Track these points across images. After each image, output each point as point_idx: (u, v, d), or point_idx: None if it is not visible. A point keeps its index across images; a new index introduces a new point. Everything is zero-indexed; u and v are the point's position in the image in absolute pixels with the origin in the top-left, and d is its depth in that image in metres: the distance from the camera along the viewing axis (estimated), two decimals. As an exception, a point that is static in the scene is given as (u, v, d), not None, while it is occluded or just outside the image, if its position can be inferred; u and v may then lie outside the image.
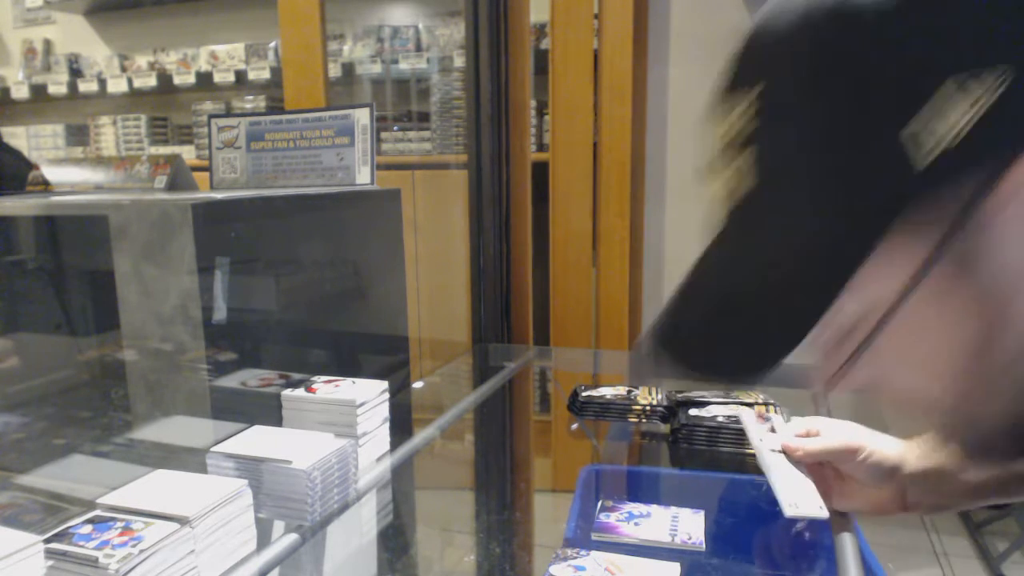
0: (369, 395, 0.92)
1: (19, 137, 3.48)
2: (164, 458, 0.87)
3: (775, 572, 0.84)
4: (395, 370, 1.29)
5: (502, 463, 1.30)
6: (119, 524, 0.64)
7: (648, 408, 1.21)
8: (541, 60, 2.28)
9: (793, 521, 0.91)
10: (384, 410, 0.96)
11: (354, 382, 0.95)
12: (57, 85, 3.34)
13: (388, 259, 1.27)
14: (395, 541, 0.95)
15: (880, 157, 0.35)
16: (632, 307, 2.11)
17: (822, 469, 0.79)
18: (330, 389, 0.93)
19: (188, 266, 0.82)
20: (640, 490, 1.09)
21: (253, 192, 1.11)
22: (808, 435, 0.79)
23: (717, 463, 1.08)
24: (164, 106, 3.36)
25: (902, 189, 0.35)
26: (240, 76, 3.06)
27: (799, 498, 0.73)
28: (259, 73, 3.02)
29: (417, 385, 1.47)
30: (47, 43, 3.53)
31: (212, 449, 0.80)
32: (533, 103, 2.26)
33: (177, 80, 3.13)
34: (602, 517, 0.88)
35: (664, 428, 1.19)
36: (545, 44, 2.22)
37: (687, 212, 2.16)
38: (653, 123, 2.15)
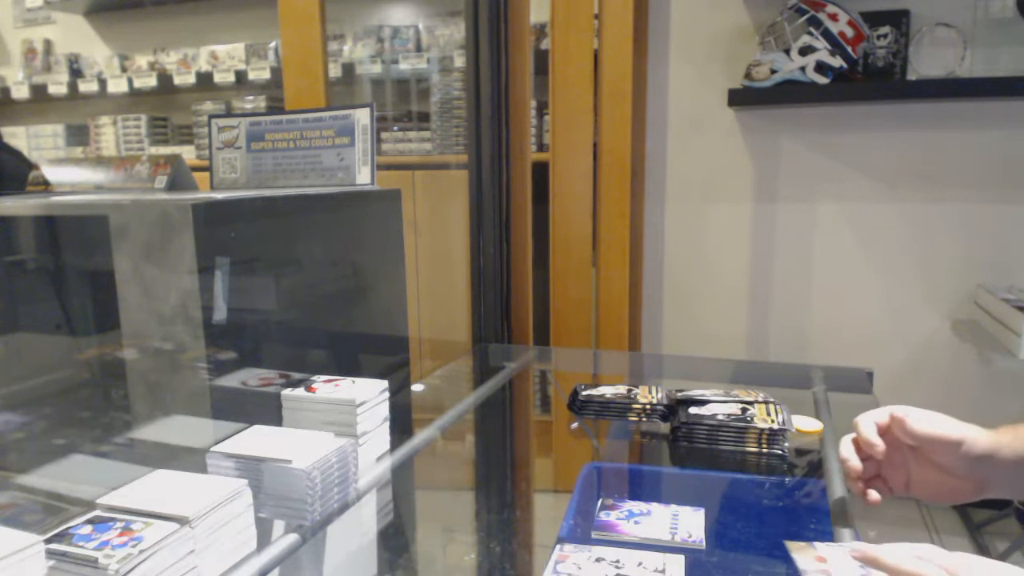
0: (369, 395, 0.92)
1: (19, 137, 3.48)
2: (164, 458, 0.87)
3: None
4: (395, 370, 1.29)
5: (502, 463, 1.30)
6: (119, 524, 0.64)
7: (648, 407, 1.21)
8: (541, 60, 2.28)
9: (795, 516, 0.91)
10: (384, 410, 0.96)
11: (354, 382, 0.95)
12: (57, 85, 3.34)
13: (388, 259, 1.27)
14: (395, 541, 0.95)
15: None
16: (632, 307, 2.11)
17: (901, 457, 0.78)
18: (330, 389, 0.93)
19: (188, 266, 0.82)
20: (640, 488, 1.09)
21: (253, 192, 1.11)
22: (893, 422, 0.76)
23: (717, 461, 1.08)
24: (164, 106, 3.36)
25: None
26: (240, 76, 3.06)
27: None
28: (259, 73, 3.02)
29: (417, 387, 1.47)
30: (47, 43, 3.53)
31: (212, 449, 0.80)
32: (533, 103, 2.26)
33: (177, 80, 3.13)
34: (602, 515, 0.88)
35: (664, 427, 1.19)
36: (545, 44, 2.22)
37: (687, 212, 2.16)
38: (653, 123, 2.15)
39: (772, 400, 1.19)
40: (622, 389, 1.29)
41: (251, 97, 3.07)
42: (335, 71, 2.80)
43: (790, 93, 1.87)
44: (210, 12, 3.25)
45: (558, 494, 1.06)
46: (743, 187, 2.09)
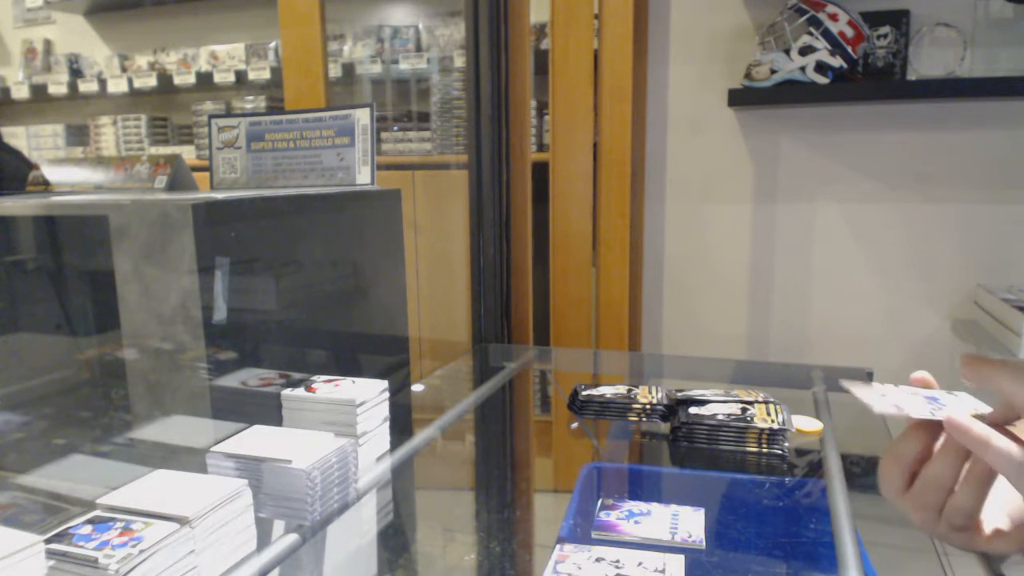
0: (369, 395, 0.92)
1: (19, 137, 3.48)
2: (164, 458, 0.87)
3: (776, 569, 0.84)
4: (395, 370, 1.29)
5: (502, 463, 1.30)
6: (119, 524, 0.64)
7: (648, 407, 1.21)
8: (541, 60, 2.28)
9: (795, 518, 0.91)
10: (384, 410, 0.96)
11: (354, 382, 0.95)
12: (57, 85, 3.34)
13: (388, 259, 1.27)
14: (395, 541, 0.95)
15: None
16: (632, 307, 2.11)
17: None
18: (330, 389, 0.93)
19: (188, 266, 0.82)
20: (640, 488, 1.09)
21: (253, 192, 1.11)
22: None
23: (717, 461, 1.08)
24: (164, 106, 3.36)
25: None
26: (240, 76, 3.06)
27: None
28: (259, 73, 3.02)
29: (417, 387, 1.47)
30: (47, 43, 3.54)
31: (212, 449, 0.80)
32: (533, 103, 2.26)
33: (177, 80, 3.13)
34: (602, 515, 0.88)
35: (664, 427, 1.20)
36: (545, 44, 2.22)
37: (687, 212, 2.16)
38: (653, 123, 2.15)
39: (772, 400, 1.19)
40: (622, 389, 1.29)
41: (251, 97, 3.08)
42: (335, 71, 2.80)
43: (790, 93, 1.87)
44: (210, 12, 3.25)
45: (558, 494, 1.06)
46: (743, 187, 2.09)
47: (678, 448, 1.12)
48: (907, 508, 0.61)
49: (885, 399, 0.60)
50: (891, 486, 0.61)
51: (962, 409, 0.57)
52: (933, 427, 0.59)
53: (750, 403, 1.18)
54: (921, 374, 0.63)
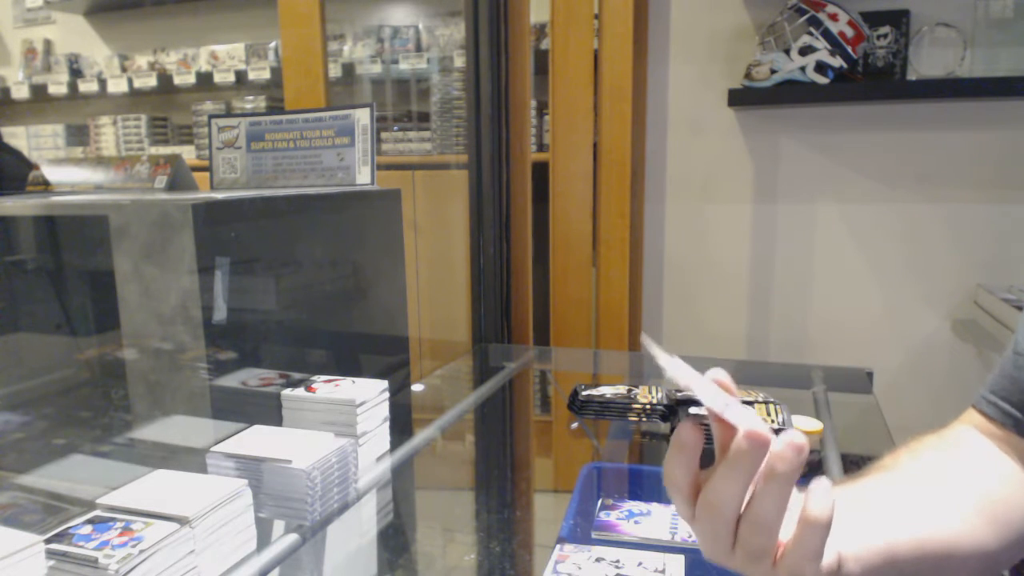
0: (369, 395, 0.92)
1: (19, 137, 3.48)
2: (164, 458, 0.87)
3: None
4: (395, 370, 1.29)
5: (502, 463, 1.30)
6: (119, 524, 0.64)
7: (648, 407, 1.21)
8: (541, 60, 2.28)
9: None
10: (384, 410, 0.96)
11: (354, 382, 0.95)
12: (57, 85, 3.34)
13: (388, 259, 1.27)
14: (395, 541, 0.95)
15: None
16: (632, 307, 2.11)
17: None
18: (330, 389, 0.93)
19: (188, 266, 0.82)
20: (640, 488, 1.09)
21: (253, 192, 1.11)
22: None
23: (717, 463, 1.08)
24: (164, 106, 3.36)
25: None
26: (240, 76, 3.06)
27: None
28: (259, 73, 3.02)
29: (417, 387, 1.47)
30: (47, 43, 3.54)
31: (212, 449, 0.80)
32: (533, 103, 2.26)
33: (177, 80, 3.13)
34: (602, 515, 0.88)
35: (664, 427, 1.20)
36: (545, 44, 2.22)
37: (687, 212, 2.16)
38: (653, 123, 2.15)
39: (772, 400, 1.19)
40: (622, 389, 1.29)
41: (251, 97, 3.08)
42: (335, 71, 2.80)
43: (790, 93, 1.87)
44: (210, 12, 3.25)
45: (558, 494, 1.06)
46: (743, 187, 2.09)
47: (678, 448, 1.12)
48: (696, 531, 0.49)
49: (680, 370, 0.47)
50: (681, 502, 0.49)
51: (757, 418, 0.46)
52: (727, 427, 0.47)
53: (750, 403, 1.18)
54: (721, 374, 0.49)
